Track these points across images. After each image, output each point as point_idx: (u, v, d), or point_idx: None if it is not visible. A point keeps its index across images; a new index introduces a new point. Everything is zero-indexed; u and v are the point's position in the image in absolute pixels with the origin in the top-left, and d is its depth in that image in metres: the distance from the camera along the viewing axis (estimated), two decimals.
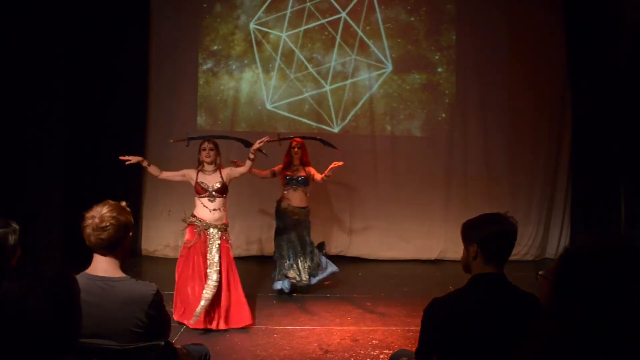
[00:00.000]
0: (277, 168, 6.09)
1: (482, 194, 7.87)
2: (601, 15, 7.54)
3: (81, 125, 7.26)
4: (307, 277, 5.96)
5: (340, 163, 5.69)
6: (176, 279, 5.06)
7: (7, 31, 5.96)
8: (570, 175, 8.04)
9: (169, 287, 5.95)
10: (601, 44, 7.54)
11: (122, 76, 7.59)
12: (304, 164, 6.04)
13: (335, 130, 8.00)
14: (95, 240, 2.41)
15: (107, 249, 2.43)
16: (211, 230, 4.97)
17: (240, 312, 5.05)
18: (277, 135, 6.14)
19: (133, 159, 4.96)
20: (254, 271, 7.09)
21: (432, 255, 7.97)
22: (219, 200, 5.01)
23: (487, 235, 2.31)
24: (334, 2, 7.94)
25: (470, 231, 2.37)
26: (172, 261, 7.81)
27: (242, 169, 5.21)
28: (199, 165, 5.11)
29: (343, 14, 7.94)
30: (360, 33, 7.93)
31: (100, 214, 2.40)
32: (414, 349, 2.42)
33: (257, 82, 8.01)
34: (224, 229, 5.05)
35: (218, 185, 5.01)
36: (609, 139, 7.53)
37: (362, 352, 4.54)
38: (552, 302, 1.42)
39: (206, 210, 5.00)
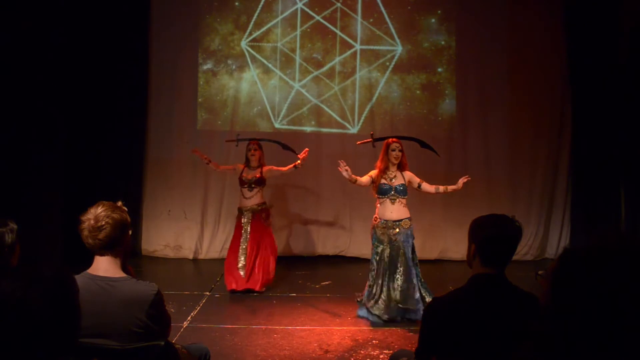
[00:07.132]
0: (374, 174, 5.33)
1: (482, 194, 7.85)
2: (601, 15, 7.55)
3: (81, 125, 7.26)
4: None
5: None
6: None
7: (7, 31, 5.96)
8: (570, 175, 8.03)
9: (169, 286, 5.99)
10: (601, 44, 7.54)
11: (121, 76, 7.58)
12: (402, 168, 5.34)
13: (354, 130, 7.98)
14: (94, 241, 2.41)
15: (106, 249, 2.43)
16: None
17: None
18: (370, 135, 5.62)
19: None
20: None
21: (432, 255, 7.95)
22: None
23: (484, 238, 2.31)
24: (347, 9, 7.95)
25: (472, 230, 2.37)
26: (172, 261, 7.86)
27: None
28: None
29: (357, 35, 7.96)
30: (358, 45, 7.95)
31: (95, 215, 2.40)
32: (414, 349, 2.42)
33: (256, 84, 8.01)
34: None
35: None
36: (609, 139, 7.54)
37: (362, 352, 4.54)
38: (551, 302, 1.42)
39: None
